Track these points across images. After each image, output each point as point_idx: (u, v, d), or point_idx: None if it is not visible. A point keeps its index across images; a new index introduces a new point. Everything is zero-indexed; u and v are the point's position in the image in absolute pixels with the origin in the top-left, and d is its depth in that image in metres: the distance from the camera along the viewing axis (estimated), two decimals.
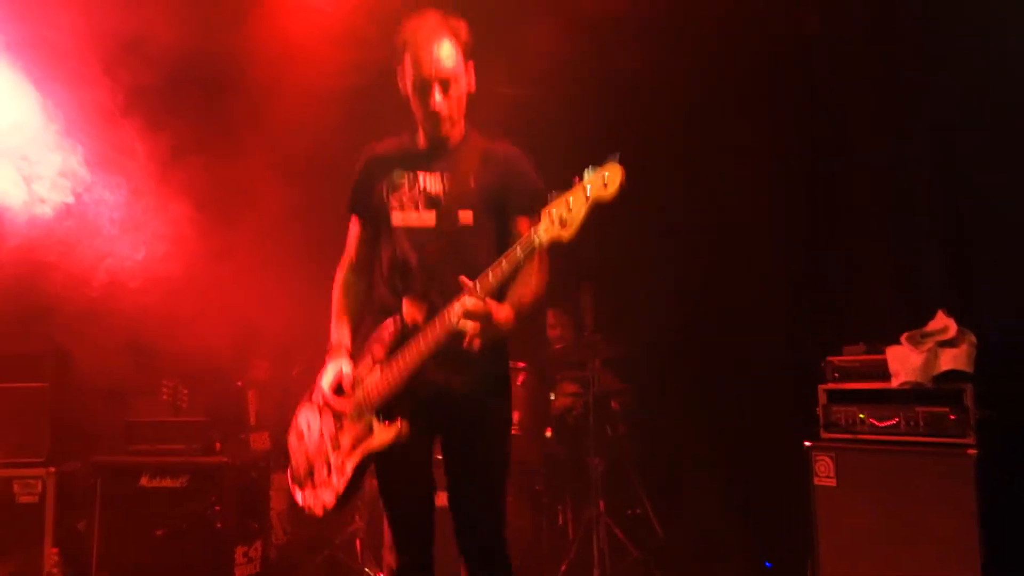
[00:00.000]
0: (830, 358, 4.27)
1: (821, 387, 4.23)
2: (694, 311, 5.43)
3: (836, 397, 4.21)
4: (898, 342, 4.06)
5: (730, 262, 5.32)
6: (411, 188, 2.89)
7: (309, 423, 2.91)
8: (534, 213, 2.49)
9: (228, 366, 5.53)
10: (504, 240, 2.76)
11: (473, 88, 2.92)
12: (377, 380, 2.75)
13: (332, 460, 2.79)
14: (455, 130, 2.92)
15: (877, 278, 4.81)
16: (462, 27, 2.88)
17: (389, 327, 2.80)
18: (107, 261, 5.09)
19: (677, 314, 5.42)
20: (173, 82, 5.07)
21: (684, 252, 5.46)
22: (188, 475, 5.03)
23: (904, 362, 4.01)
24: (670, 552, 5.09)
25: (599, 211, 2.37)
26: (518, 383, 5.20)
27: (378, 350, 2.80)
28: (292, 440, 2.95)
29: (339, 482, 2.76)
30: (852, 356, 4.24)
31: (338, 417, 2.82)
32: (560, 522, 5.15)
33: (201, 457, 5.07)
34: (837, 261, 5.04)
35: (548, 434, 5.25)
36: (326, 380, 2.86)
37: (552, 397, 5.36)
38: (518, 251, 2.47)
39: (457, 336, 2.56)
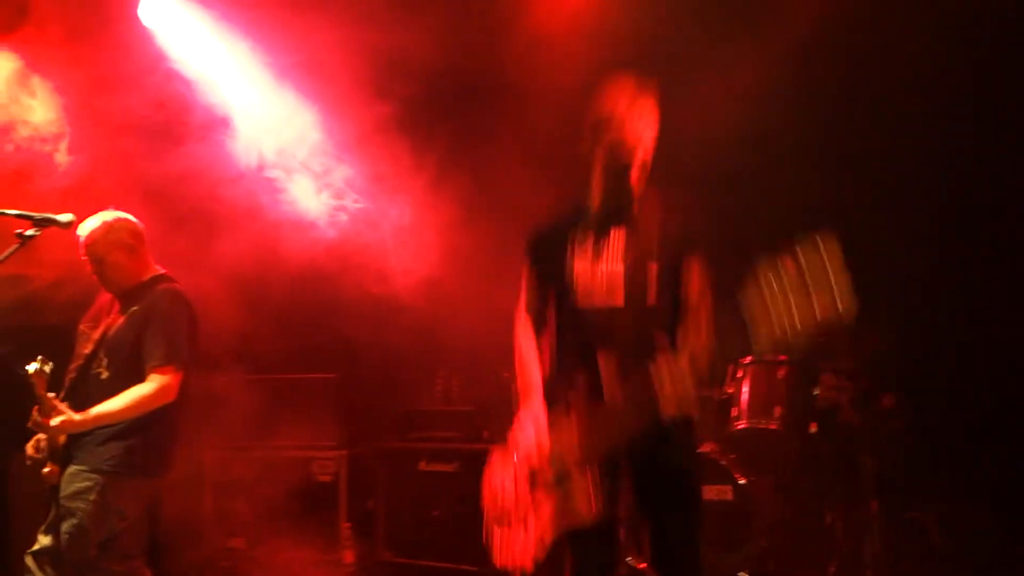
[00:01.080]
0: None
1: None
2: (968, 302, 4.94)
3: None
4: None
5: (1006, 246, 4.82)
6: (593, 264, 2.81)
7: (511, 472, 2.82)
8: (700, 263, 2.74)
9: (495, 358, 5.77)
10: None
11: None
12: (578, 453, 2.71)
13: (529, 522, 2.76)
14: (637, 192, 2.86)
15: None
16: (654, 95, 2.82)
17: (585, 401, 2.74)
18: (388, 263, 5.50)
19: (949, 304, 4.95)
20: (436, 92, 5.38)
21: (957, 238, 4.98)
22: (459, 461, 5.34)
23: None
24: (949, 562, 4.68)
25: None
26: (779, 377, 5.00)
27: (577, 420, 2.74)
28: (492, 481, 2.85)
29: (533, 547, 2.75)
30: None
31: (533, 476, 2.77)
32: (827, 523, 4.88)
33: (470, 444, 5.37)
34: None
35: (813, 430, 4.99)
36: (530, 437, 2.78)
37: (816, 391, 5.08)
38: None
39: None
